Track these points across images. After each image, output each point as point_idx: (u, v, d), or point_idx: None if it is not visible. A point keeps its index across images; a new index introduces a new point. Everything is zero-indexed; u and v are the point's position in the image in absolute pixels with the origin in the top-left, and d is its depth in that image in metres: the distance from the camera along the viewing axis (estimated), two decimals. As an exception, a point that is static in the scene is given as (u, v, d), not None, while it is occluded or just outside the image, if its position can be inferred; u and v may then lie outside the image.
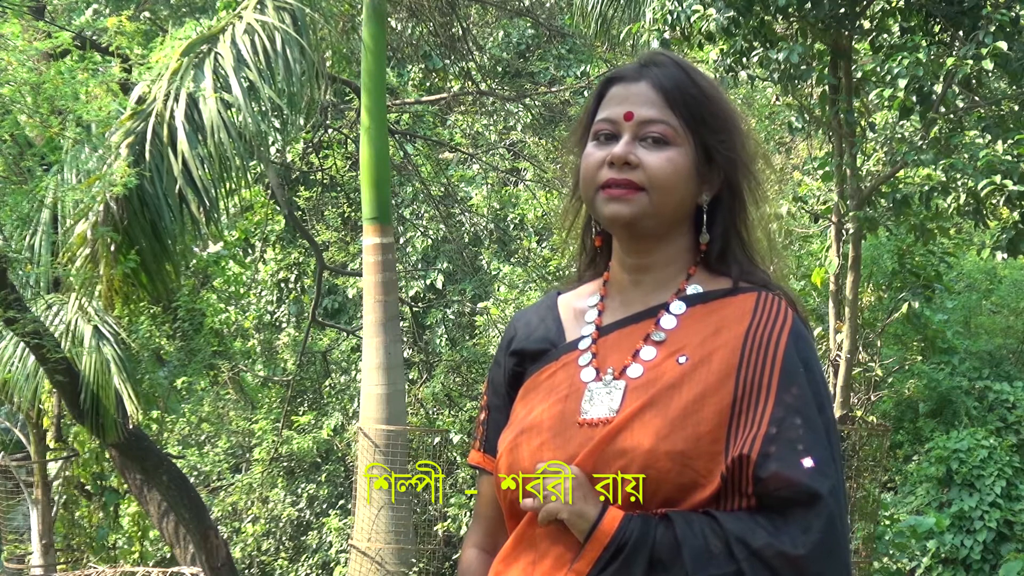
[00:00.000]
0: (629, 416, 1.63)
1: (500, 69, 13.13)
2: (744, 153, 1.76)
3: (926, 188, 6.92)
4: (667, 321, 1.71)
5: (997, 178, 6.28)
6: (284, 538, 11.34)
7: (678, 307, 1.72)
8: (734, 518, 1.58)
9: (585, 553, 1.59)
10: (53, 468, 9.81)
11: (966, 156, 6.67)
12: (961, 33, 6.59)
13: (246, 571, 11.25)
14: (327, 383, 12.13)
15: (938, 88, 6.48)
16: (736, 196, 1.76)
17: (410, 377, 11.41)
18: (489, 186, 12.30)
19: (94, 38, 9.02)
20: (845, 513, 1.64)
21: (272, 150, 11.05)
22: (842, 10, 6.65)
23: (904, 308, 7.97)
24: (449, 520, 10.02)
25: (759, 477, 1.58)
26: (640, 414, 1.62)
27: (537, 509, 1.63)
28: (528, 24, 13.00)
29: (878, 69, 6.61)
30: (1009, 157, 6.42)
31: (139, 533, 10.93)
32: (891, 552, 8.42)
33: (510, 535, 1.73)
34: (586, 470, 1.62)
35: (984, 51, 6.10)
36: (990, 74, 6.55)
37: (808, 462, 1.58)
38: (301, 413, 11.63)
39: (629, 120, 1.71)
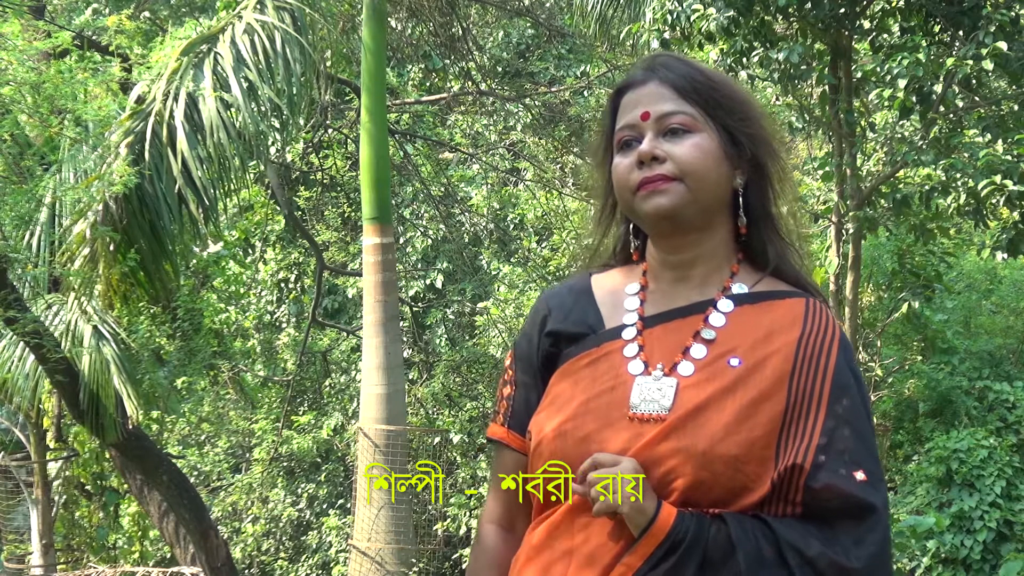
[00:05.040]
0: (684, 416, 1.62)
1: (500, 69, 13.12)
2: (764, 130, 1.76)
3: (926, 188, 6.92)
4: (716, 319, 1.71)
5: (997, 178, 6.28)
6: (284, 538, 11.34)
7: (726, 305, 1.72)
8: (786, 525, 1.59)
9: (639, 547, 1.59)
10: (53, 468, 9.80)
11: (966, 156, 6.67)
12: (961, 33, 6.59)
13: (246, 571, 11.25)
14: (327, 383, 12.13)
15: (938, 88, 6.47)
16: (764, 175, 1.76)
17: (410, 377, 11.41)
18: (489, 186, 12.30)
19: (94, 37, 9.02)
20: (890, 523, 1.67)
21: (272, 150, 11.04)
22: (842, 10, 6.65)
23: (904, 308, 7.97)
24: (449, 520, 10.01)
25: (810, 487, 1.59)
26: (694, 415, 1.62)
27: (584, 495, 1.61)
28: (528, 24, 13.00)
29: (878, 69, 6.61)
30: (1009, 157, 6.42)
31: (139, 533, 10.92)
32: (891, 552, 8.41)
33: (535, 516, 1.73)
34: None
35: (984, 51, 6.10)
36: (990, 74, 6.54)
37: (860, 475, 1.60)
38: (301, 413, 11.63)
39: (647, 120, 1.71)
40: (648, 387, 1.67)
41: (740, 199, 1.74)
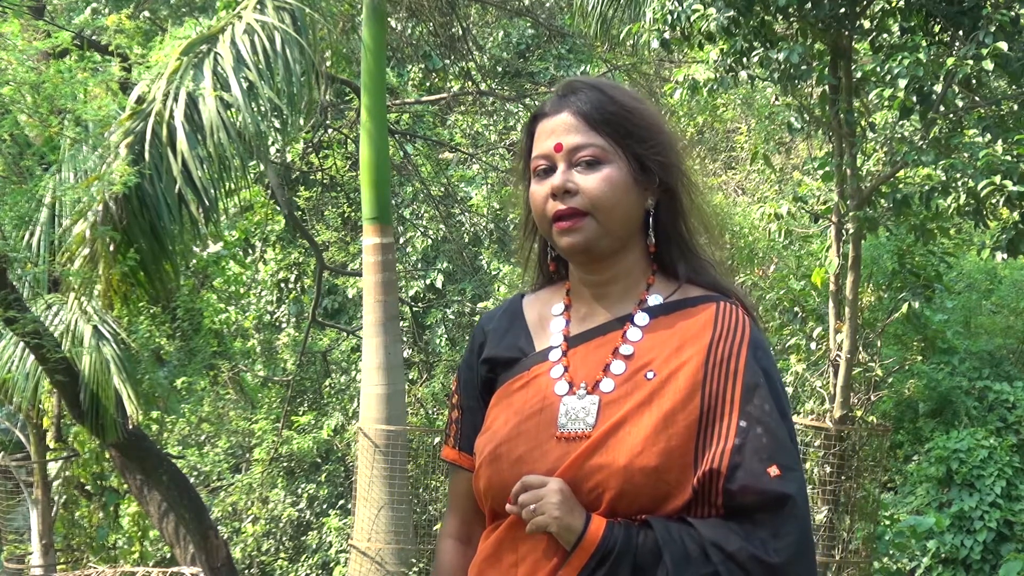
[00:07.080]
0: (605, 433, 1.71)
1: (500, 69, 13.12)
2: (674, 155, 1.84)
3: (926, 188, 6.91)
4: (633, 334, 1.79)
5: (997, 178, 6.27)
6: (284, 538, 11.34)
7: (642, 319, 1.81)
8: (708, 524, 1.68)
9: (572, 561, 1.69)
10: (53, 468, 9.80)
11: (966, 156, 6.66)
12: (961, 33, 6.58)
13: (246, 571, 11.25)
14: (327, 383, 12.13)
15: (938, 88, 6.47)
16: (673, 197, 1.84)
17: (410, 377, 11.41)
18: (489, 186, 12.30)
19: (93, 37, 9.02)
20: (809, 510, 1.75)
21: (272, 150, 11.04)
22: (842, 10, 6.65)
23: (904, 308, 7.95)
24: (449, 520, 10.00)
25: (728, 489, 1.68)
26: (614, 431, 1.71)
27: (519, 515, 1.71)
28: (528, 24, 13.00)
29: (878, 69, 6.60)
30: (1009, 157, 6.42)
31: (139, 533, 10.92)
32: (891, 552, 8.41)
33: (487, 527, 1.83)
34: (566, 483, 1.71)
35: (984, 51, 6.10)
36: (990, 74, 6.54)
37: (774, 470, 1.69)
38: (301, 413, 11.64)
39: (559, 151, 1.79)
40: (573, 406, 1.76)
41: (651, 219, 1.82)
